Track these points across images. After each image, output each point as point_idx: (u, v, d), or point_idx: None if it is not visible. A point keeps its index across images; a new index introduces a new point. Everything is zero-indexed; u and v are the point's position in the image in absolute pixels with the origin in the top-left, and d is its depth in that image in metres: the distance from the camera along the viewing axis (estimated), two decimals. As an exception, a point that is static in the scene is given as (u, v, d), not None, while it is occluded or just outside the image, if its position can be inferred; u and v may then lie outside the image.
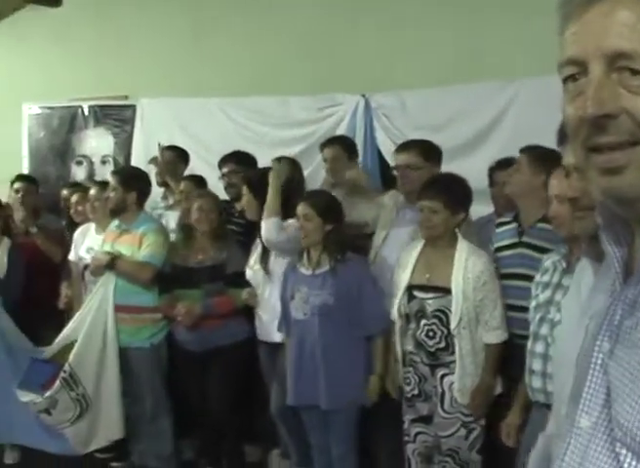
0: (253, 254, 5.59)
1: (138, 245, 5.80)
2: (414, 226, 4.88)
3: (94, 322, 5.78)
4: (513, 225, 4.62)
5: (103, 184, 6.24)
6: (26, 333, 6.06)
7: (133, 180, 5.97)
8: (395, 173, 5.26)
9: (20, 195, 6.91)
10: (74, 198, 6.77)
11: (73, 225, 6.73)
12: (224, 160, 6.35)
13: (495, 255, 4.67)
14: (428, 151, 5.13)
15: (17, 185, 6.98)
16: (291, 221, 5.20)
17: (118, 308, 5.77)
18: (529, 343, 3.81)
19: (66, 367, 5.76)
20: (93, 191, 6.37)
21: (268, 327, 5.46)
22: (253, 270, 5.53)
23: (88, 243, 6.34)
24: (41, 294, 6.43)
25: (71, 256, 6.49)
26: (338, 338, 4.84)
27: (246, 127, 7.72)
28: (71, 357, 5.76)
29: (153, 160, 6.92)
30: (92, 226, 6.41)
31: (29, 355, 5.96)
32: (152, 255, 5.75)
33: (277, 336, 5.38)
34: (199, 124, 7.87)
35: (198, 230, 5.72)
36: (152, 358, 5.84)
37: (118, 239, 5.95)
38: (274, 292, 5.35)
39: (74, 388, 5.77)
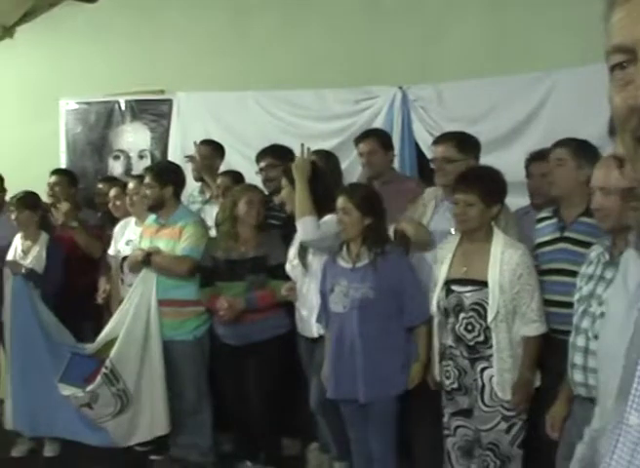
0: (291, 249, 5.59)
1: (177, 238, 5.82)
2: (448, 219, 4.91)
3: (135, 318, 5.82)
4: (554, 220, 4.61)
5: (141, 178, 6.26)
6: (67, 327, 6.17)
7: (167, 175, 6.00)
8: (432, 165, 5.25)
9: (57, 189, 6.96)
10: (112, 192, 6.76)
11: (112, 220, 6.75)
12: (262, 154, 6.32)
13: (535, 251, 4.65)
14: (465, 143, 5.12)
15: (53, 179, 7.02)
16: (327, 218, 5.18)
17: (160, 302, 5.82)
18: (571, 336, 3.80)
19: (107, 362, 5.82)
20: (131, 185, 6.41)
21: (307, 321, 5.47)
22: (292, 264, 5.54)
23: (128, 236, 6.39)
24: (79, 289, 6.48)
25: (110, 251, 6.52)
26: (376, 331, 4.83)
27: (283, 120, 7.69)
28: (112, 353, 5.82)
29: (190, 158, 6.94)
30: (132, 220, 6.45)
31: (70, 349, 6.05)
32: (191, 248, 5.78)
33: (315, 331, 5.40)
34: (236, 117, 7.84)
35: (242, 223, 5.72)
36: (195, 351, 5.88)
37: (157, 234, 5.98)
38: (312, 286, 5.36)
39: (115, 383, 5.82)
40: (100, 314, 6.58)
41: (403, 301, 4.83)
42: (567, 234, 4.50)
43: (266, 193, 6.21)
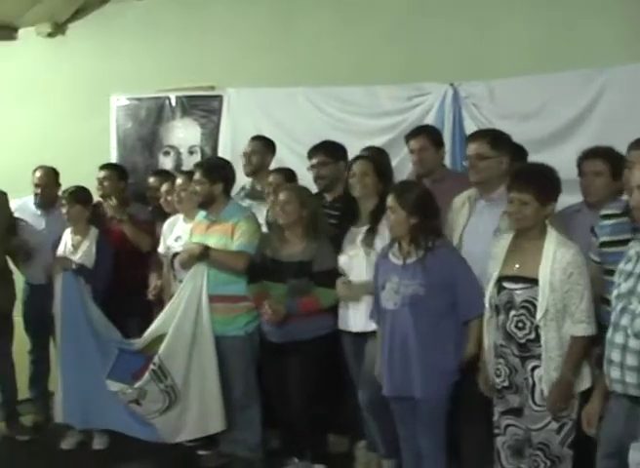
0: (349, 241, 5.58)
1: (230, 235, 5.82)
2: (484, 217, 5.00)
3: (184, 313, 5.81)
4: (624, 219, 4.50)
5: (190, 174, 6.22)
6: (113, 323, 6.23)
7: (217, 172, 5.96)
8: (465, 163, 5.31)
9: (106, 183, 6.97)
10: (164, 187, 6.73)
11: (163, 215, 6.74)
12: (313, 151, 6.25)
13: (599, 250, 4.63)
14: (498, 140, 5.13)
15: (102, 174, 7.02)
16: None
17: (211, 298, 5.80)
18: (608, 333, 3.80)
19: (156, 358, 5.83)
20: (179, 181, 6.39)
21: (353, 316, 5.49)
22: (349, 255, 5.55)
23: (176, 232, 6.36)
24: (128, 284, 6.51)
25: (160, 249, 6.52)
26: (428, 328, 4.82)
27: (333, 116, 7.68)
28: (161, 349, 5.82)
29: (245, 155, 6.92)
30: (180, 217, 6.42)
31: (118, 346, 6.08)
32: (246, 244, 5.77)
33: (361, 325, 5.41)
34: (286, 114, 7.84)
35: (287, 225, 5.73)
36: (246, 346, 5.86)
37: (207, 230, 5.95)
38: (365, 278, 5.36)
39: (163, 380, 5.84)
40: (148, 310, 6.59)
41: (456, 295, 4.81)
42: None
43: (318, 190, 6.19)
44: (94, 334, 6.10)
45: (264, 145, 6.94)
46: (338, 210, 5.87)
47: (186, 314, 5.78)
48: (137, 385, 5.86)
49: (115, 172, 7.11)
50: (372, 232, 5.40)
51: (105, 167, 7.15)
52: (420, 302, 4.78)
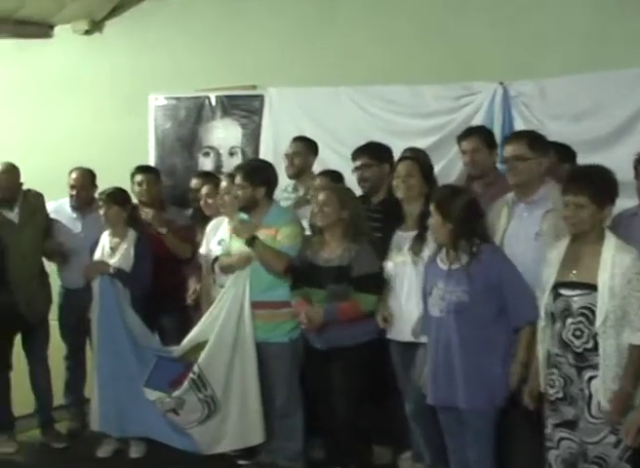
0: (396, 247, 5.53)
1: (273, 238, 5.80)
2: (524, 220, 4.98)
3: (226, 322, 5.80)
4: None
5: (233, 177, 6.19)
6: (150, 327, 6.26)
7: (259, 175, 5.93)
8: (503, 165, 5.32)
9: (143, 187, 6.92)
10: (204, 190, 6.72)
11: (204, 219, 6.72)
12: (358, 152, 6.17)
13: None
14: (536, 141, 5.10)
15: (138, 178, 6.95)
16: None
17: (254, 304, 5.81)
18: None
19: (195, 367, 5.81)
20: (224, 183, 6.37)
21: (400, 324, 5.43)
22: (394, 262, 5.49)
23: (220, 235, 6.37)
24: (166, 288, 6.47)
25: (202, 250, 6.51)
26: (473, 336, 4.76)
27: (377, 116, 7.60)
28: (201, 358, 5.80)
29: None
30: (224, 219, 6.41)
31: (156, 353, 6.07)
32: (289, 247, 5.78)
33: (408, 334, 5.35)
34: (329, 114, 7.80)
35: (327, 228, 5.69)
36: (290, 353, 5.84)
37: None
38: (413, 287, 5.32)
39: (202, 390, 5.82)
40: (186, 314, 6.60)
41: (506, 300, 4.74)
42: None
43: (363, 194, 6.14)
44: (131, 341, 6.10)
45: (307, 146, 6.88)
46: (382, 213, 5.85)
47: (228, 322, 5.77)
48: (175, 394, 5.84)
49: (151, 175, 7.06)
50: (420, 239, 5.34)
51: (140, 170, 7.06)
52: (464, 310, 4.72)
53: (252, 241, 5.72)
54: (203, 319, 5.95)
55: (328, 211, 5.60)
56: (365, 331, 5.54)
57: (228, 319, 5.78)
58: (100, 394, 6.23)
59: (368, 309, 5.49)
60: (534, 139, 5.10)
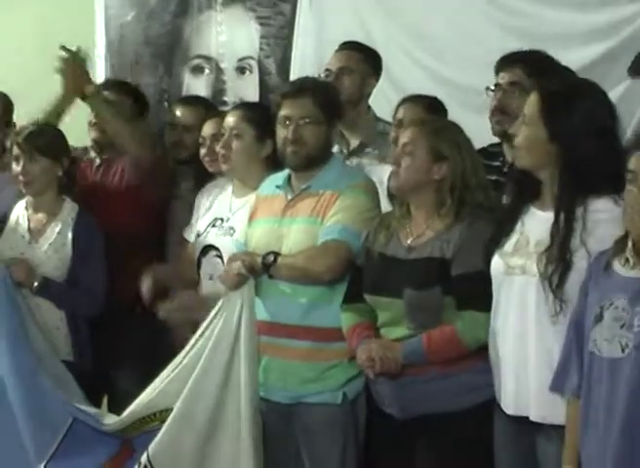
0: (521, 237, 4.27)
1: (319, 217, 4.77)
2: None
3: (203, 377, 4.77)
4: None
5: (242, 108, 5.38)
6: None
7: (335, 102, 4.80)
8: None
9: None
10: (208, 129, 5.41)
11: (200, 179, 5.53)
12: (507, 60, 4.71)
13: None
14: None
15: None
16: None
17: (277, 330, 4.73)
18: None
19: (143, 457, 4.72)
20: (230, 119, 5.15)
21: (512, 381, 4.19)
22: (506, 263, 4.27)
23: (217, 211, 5.26)
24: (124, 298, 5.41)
25: (186, 233, 5.39)
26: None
27: (506, 6, 5.87)
28: (155, 442, 4.70)
29: None
30: (227, 185, 5.30)
31: (71, 411, 4.90)
32: (345, 229, 4.80)
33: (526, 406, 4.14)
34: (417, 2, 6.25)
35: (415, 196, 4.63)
36: (344, 422, 4.67)
37: (287, 212, 4.88)
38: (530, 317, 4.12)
39: None
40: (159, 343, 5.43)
41: None
42: None
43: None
44: (21, 377, 4.94)
45: (363, 60, 5.57)
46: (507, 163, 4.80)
47: (210, 374, 4.74)
48: None
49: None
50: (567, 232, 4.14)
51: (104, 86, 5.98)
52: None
53: (265, 269, 4.59)
54: (168, 370, 4.81)
55: (412, 165, 4.39)
56: (474, 386, 4.29)
57: (211, 369, 4.72)
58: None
59: (472, 345, 4.24)
60: None
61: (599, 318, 3.73)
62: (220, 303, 4.76)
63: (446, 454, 4.33)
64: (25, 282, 5.01)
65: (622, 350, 3.65)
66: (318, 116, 4.66)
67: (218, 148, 5.18)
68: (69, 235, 5.16)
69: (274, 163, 4.91)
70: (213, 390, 4.70)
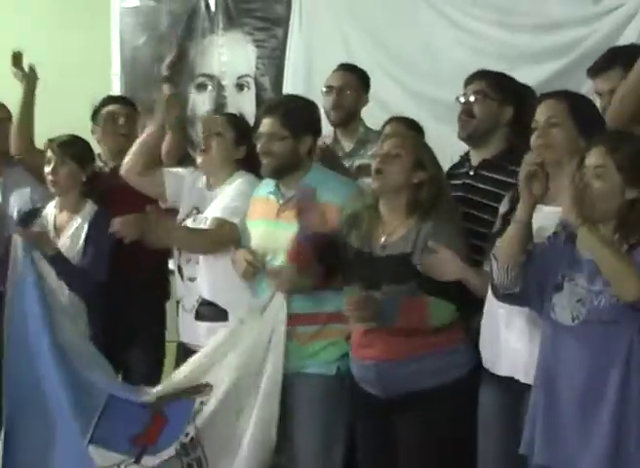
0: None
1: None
2: None
3: (248, 362, 4.97)
4: None
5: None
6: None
7: (304, 118, 5.18)
8: None
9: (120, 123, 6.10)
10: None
11: None
12: (475, 76, 5.10)
13: None
14: None
15: (112, 108, 6.11)
16: None
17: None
18: None
19: (190, 428, 4.93)
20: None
21: (494, 352, 4.50)
22: None
23: (194, 199, 5.57)
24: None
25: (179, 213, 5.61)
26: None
27: (471, 30, 6.49)
28: (202, 416, 4.93)
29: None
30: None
31: (106, 388, 5.13)
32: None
33: (511, 365, 4.40)
34: (390, 23, 6.77)
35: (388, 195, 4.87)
36: (334, 393, 4.98)
37: (280, 216, 5.15)
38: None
39: (191, 453, 4.96)
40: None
41: None
42: None
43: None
44: (60, 361, 5.11)
45: (358, 79, 6.05)
46: (486, 181, 4.91)
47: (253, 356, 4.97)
48: (152, 464, 4.92)
49: (131, 109, 6.26)
50: None
51: (113, 100, 6.28)
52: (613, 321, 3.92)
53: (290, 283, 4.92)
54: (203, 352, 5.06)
55: (394, 169, 4.69)
56: (456, 363, 4.61)
57: (250, 361, 4.91)
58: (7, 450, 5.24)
59: (436, 323, 4.56)
60: None
61: (560, 287, 4.02)
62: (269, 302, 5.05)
63: (428, 429, 4.58)
64: (47, 249, 5.38)
65: (573, 320, 3.94)
66: (282, 133, 5.04)
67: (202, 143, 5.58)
68: (85, 227, 5.57)
69: (245, 167, 5.31)
70: (255, 367, 4.99)
